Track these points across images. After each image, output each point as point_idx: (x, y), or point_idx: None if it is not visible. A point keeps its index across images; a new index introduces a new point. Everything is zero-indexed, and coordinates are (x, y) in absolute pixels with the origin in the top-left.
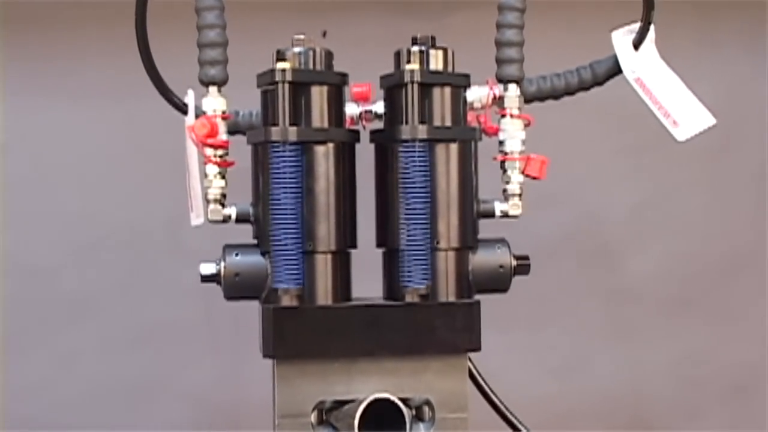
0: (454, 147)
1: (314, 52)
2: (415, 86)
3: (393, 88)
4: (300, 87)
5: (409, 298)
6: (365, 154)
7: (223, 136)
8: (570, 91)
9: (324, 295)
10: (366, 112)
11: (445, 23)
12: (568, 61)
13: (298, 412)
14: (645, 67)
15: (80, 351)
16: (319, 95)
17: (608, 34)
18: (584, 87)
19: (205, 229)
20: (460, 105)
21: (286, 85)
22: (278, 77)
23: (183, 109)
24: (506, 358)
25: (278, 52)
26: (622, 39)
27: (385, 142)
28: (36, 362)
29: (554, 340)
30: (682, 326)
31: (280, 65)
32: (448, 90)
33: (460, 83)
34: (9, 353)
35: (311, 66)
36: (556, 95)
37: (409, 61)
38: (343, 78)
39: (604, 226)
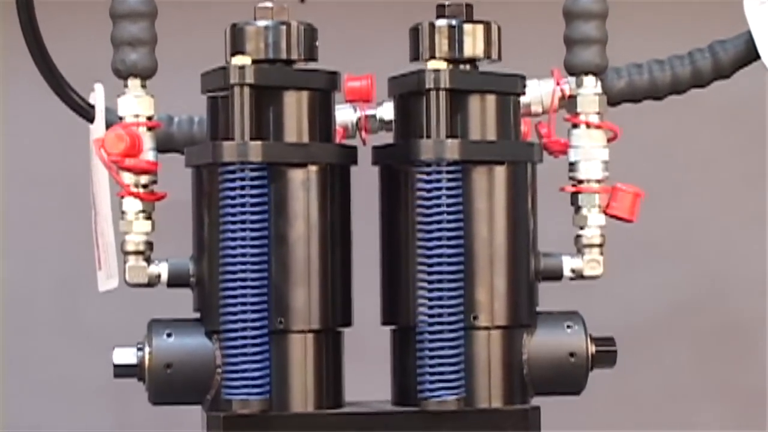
0: (500, 172)
1: (288, 28)
2: (442, 94)
3: (409, 95)
4: (267, 91)
5: (432, 406)
6: (366, 181)
7: (148, 154)
8: (679, 88)
9: (301, 397)
10: (367, 118)
11: None
12: (675, 41)
13: None
14: None
15: None
16: (295, 100)
17: (738, 1)
18: (701, 81)
19: (120, 296)
20: (509, 111)
21: (246, 90)
22: (234, 78)
23: (88, 112)
24: None
25: (234, 28)
26: (758, 9)
27: (397, 165)
28: None
29: None
30: None
31: (238, 60)
32: (492, 96)
33: (510, 89)
34: None
35: (284, 50)
36: (657, 94)
37: (432, 50)
38: (333, 78)
39: (732, 293)
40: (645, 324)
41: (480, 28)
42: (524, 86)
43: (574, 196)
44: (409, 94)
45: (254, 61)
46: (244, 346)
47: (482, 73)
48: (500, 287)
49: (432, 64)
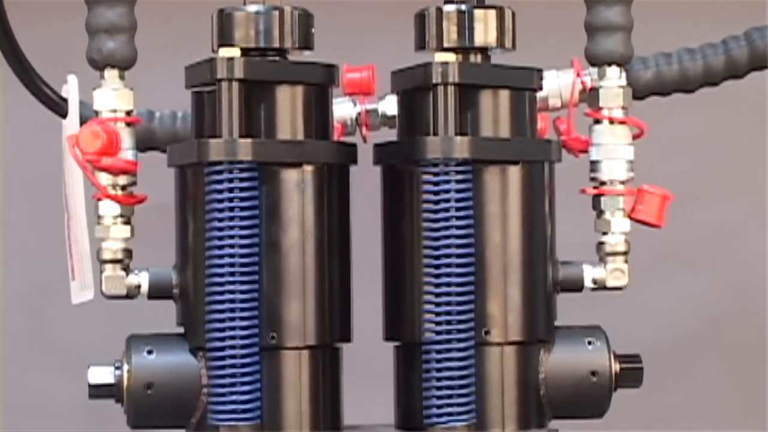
0: (514, 172)
1: (281, 13)
2: (451, 89)
3: (414, 91)
4: (258, 85)
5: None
6: (367, 182)
7: (127, 153)
8: (712, 80)
9: (295, 420)
10: (367, 113)
11: None
12: (708, 28)
13: None
14: None
15: None
16: (289, 94)
17: None
18: (736, 72)
19: (96, 308)
20: (525, 106)
21: (235, 85)
22: (221, 73)
23: (60, 107)
24: None
25: (222, 14)
26: None
27: (401, 164)
28: None
29: None
30: None
31: (225, 52)
32: (506, 92)
33: (525, 84)
34: None
35: (276, 38)
36: (688, 86)
37: (440, 38)
38: (330, 71)
39: None
40: (674, 339)
41: (492, 13)
42: (541, 80)
43: (596, 198)
44: (414, 89)
45: (244, 51)
46: (232, 365)
47: (494, 66)
48: (515, 299)
49: (439, 57)
